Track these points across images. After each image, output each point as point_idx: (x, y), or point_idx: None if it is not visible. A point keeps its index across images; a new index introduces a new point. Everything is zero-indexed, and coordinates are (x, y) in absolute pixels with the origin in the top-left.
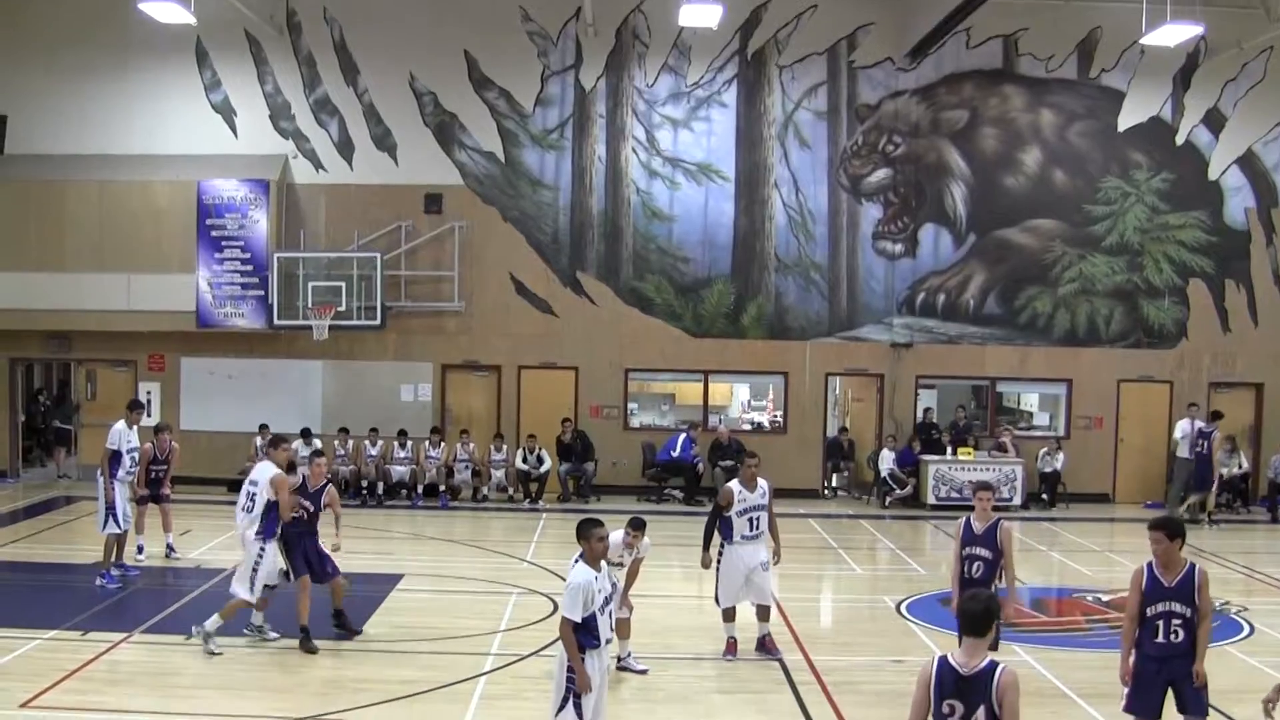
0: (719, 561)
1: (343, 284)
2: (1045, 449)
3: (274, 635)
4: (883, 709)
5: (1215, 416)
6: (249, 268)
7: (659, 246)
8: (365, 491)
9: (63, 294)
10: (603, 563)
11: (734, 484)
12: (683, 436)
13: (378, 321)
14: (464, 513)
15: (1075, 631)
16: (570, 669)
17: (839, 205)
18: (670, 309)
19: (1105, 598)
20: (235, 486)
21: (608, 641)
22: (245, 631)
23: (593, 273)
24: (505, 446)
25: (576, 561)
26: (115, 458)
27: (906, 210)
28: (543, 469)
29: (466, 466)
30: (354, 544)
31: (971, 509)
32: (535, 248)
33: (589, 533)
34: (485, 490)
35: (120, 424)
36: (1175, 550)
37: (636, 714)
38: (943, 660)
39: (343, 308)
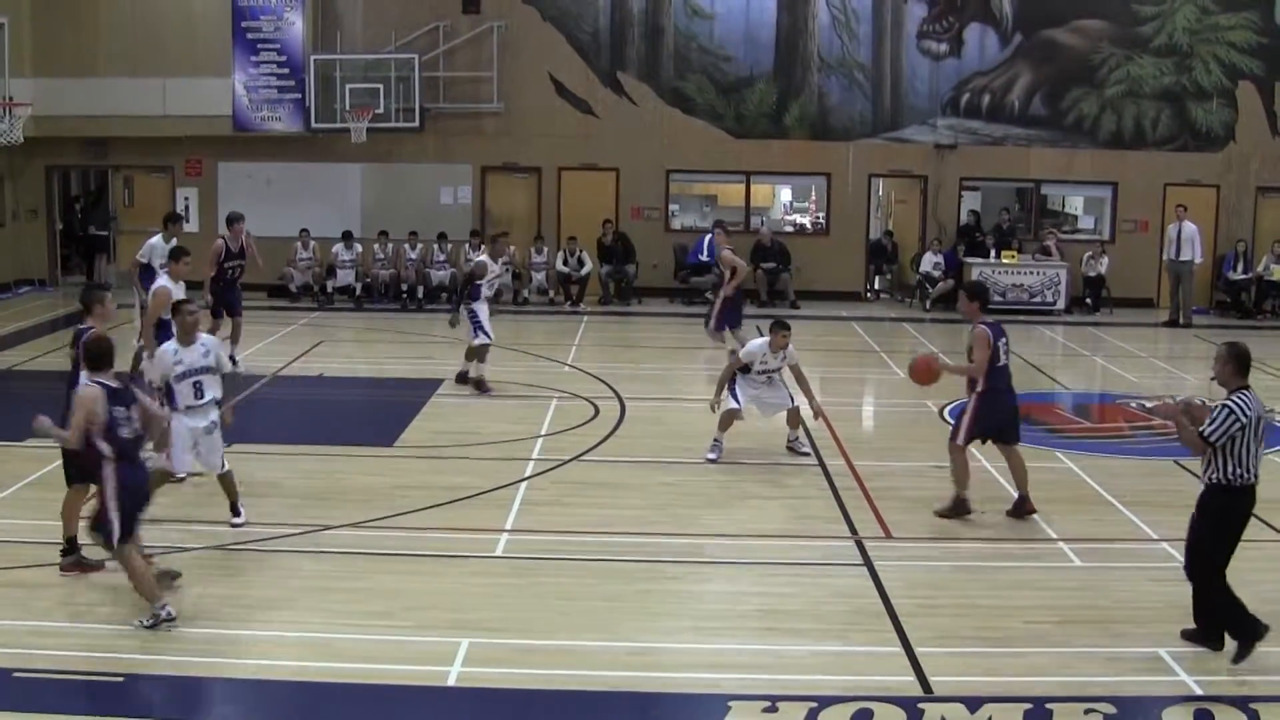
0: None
1: (380, 86)
2: (1090, 253)
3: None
4: (924, 513)
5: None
6: (285, 70)
7: (700, 45)
8: (405, 295)
9: (98, 100)
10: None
11: (759, 344)
12: (709, 237)
13: (416, 124)
14: (504, 316)
15: (1118, 438)
16: None
17: (883, 3)
18: (712, 109)
19: (1149, 404)
20: (276, 292)
21: (189, 408)
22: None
23: (633, 73)
24: (546, 249)
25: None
26: (146, 271)
27: (952, 9)
28: (583, 271)
29: (507, 269)
30: (395, 349)
31: (1007, 313)
32: (575, 47)
33: (180, 309)
34: (526, 293)
35: (156, 238)
36: (974, 309)
37: (679, 520)
38: None
39: (380, 110)
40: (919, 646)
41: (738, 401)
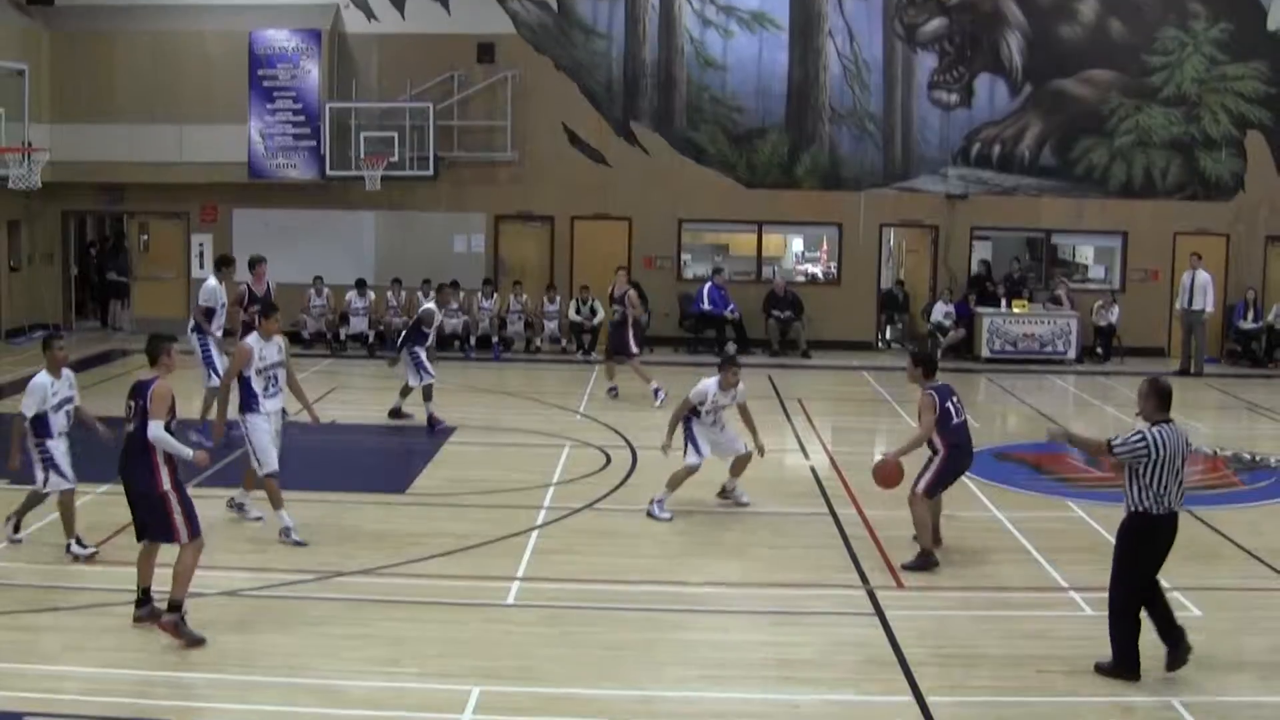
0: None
1: (395, 134)
2: (1100, 302)
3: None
4: None
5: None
6: (301, 118)
7: (713, 96)
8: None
9: (114, 146)
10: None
11: (710, 384)
12: (707, 286)
13: (430, 172)
14: (517, 364)
15: None
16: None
17: (894, 54)
18: (724, 159)
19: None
20: (289, 338)
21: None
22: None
23: (646, 123)
24: (558, 298)
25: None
26: (209, 313)
27: (962, 60)
28: (595, 320)
29: (519, 318)
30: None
31: (1018, 362)
32: (588, 97)
33: (50, 344)
34: (538, 342)
35: (212, 280)
36: (918, 375)
37: (690, 569)
38: None
39: (395, 158)
40: (930, 696)
41: (699, 454)
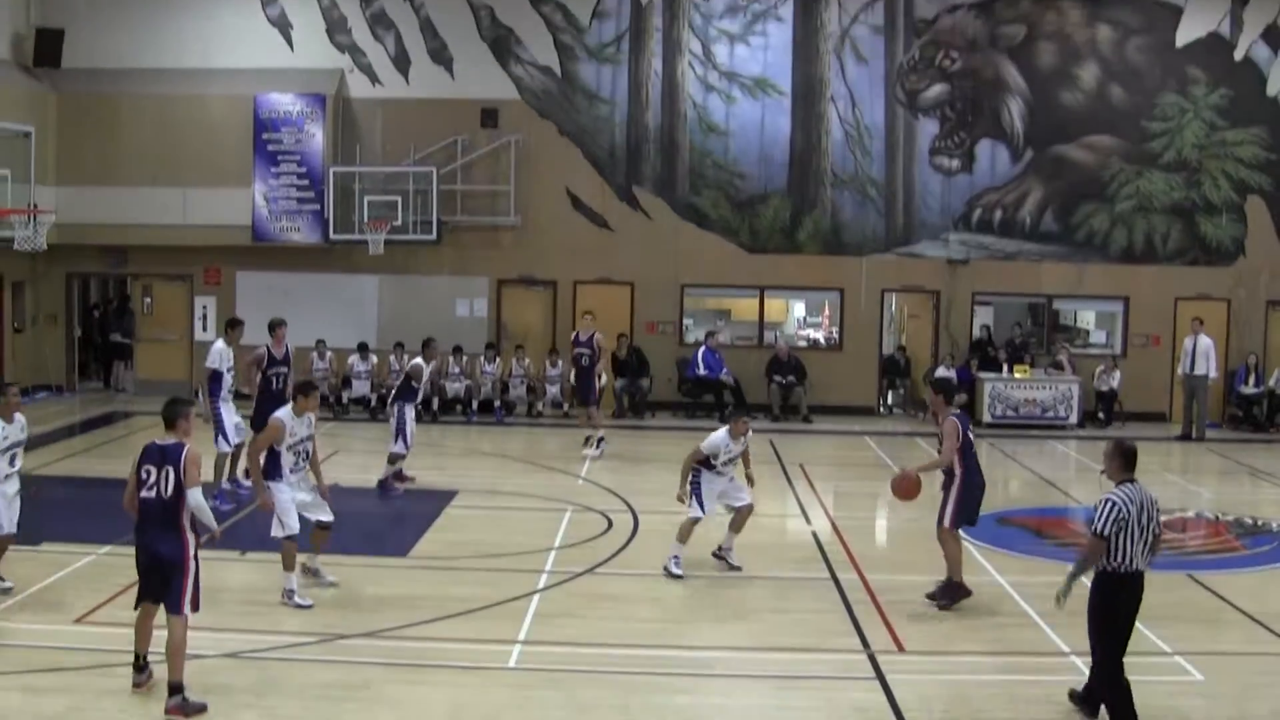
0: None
1: (399, 198)
2: (1101, 367)
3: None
4: (937, 626)
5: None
6: (305, 182)
7: (715, 162)
8: (420, 407)
9: (119, 208)
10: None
11: (720, 436)
12: (701, 350)
13: (433, 236)
14: (519, 428)
15: None
16: None
17: (895, 120)
18: (726, 224)
19: (1161, 518)
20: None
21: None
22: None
23: (649, 188)
24: (560, 362)
25: None
26: (216, 378)
27: (963, 126)
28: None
29: (521, 382)
30: (409, 459)
31: (1020, 427)
32: (591, 162)
33: (4, 391)
34: (540, 406)
35: (220, 343)
36: (939, 402)
37: (692, 633)
38: None
39: (399, 222)
40: None
41: (703, 509)
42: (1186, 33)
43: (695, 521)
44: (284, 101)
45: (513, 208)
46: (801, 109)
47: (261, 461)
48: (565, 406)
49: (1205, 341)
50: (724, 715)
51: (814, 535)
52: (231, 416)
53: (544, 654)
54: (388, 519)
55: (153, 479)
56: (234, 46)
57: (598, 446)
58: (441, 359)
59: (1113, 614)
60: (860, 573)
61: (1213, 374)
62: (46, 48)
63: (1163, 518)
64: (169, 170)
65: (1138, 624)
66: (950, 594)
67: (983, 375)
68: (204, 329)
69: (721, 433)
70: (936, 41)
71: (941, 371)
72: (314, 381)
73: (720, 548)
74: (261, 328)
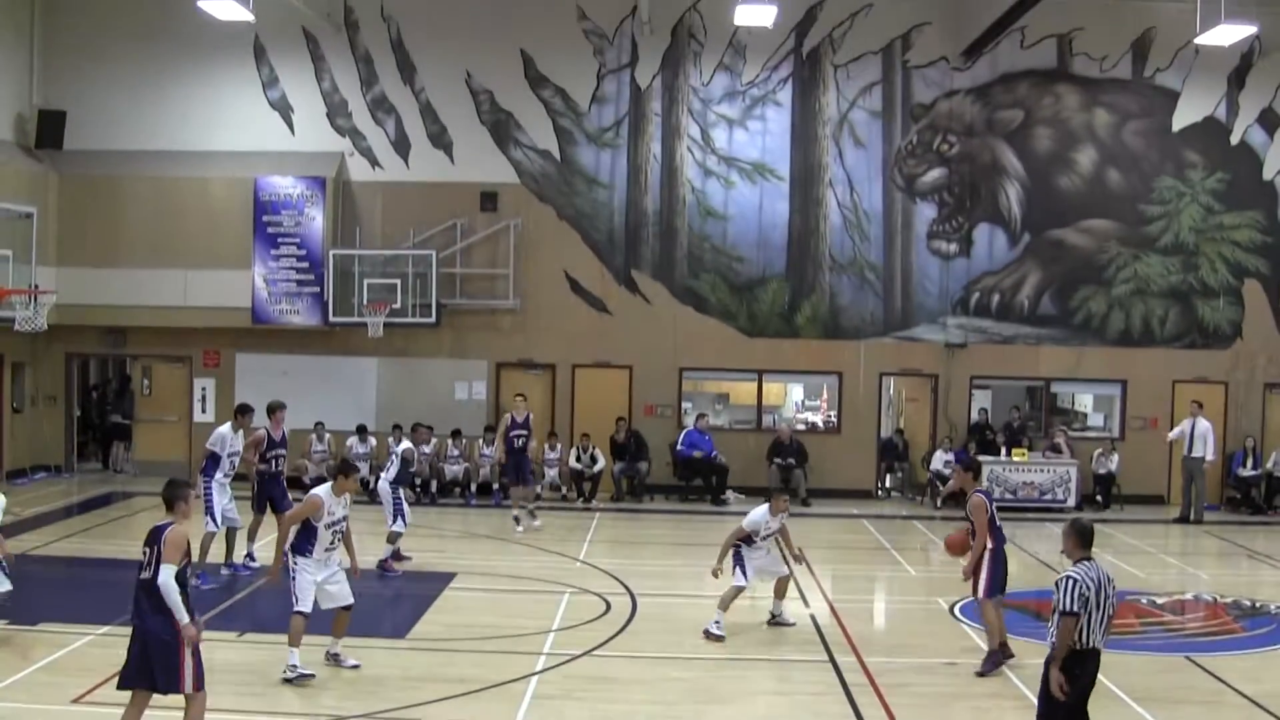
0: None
1: (398, 281)
2: (1099, 450)
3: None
4: (936, 710)
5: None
6: (305, 265)
7: (714, 245)
8: (419, 489)
9: (119, 289)
10: None
11: (760, 513)
12: (685, 432)
13: (433, 319)
14: None
15: (1128, 634)
16: None
17: (893, 205)
18: (725, 308)
19: (1160, 600)
20: (290, 484)
21: None
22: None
23: (647, 271)
24: (559, 445)
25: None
26: (213, 459)
27: (961, 210)
28: (596, 468)
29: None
30: (408, 542)
31: (1018, 510)
32: (590, 246)
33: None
34: (539, 489)
35: (225, 427)
36: (967, 479)
37: (690, 716)
38: None
39: (398, 305)
40: None
41: (745, 578)
42: (1183, 117)
43: (739, 590)
44: (284, 184)
45: (511, 291)
46: (800, 193)
47: (291, 536)
48: (563, 489)
49: (1204, 424)
50: None
51: (812, 618)
52: (223, 500)
53: None
54: (386, 600)
55: (146, 559)
56: (235, 129)
57: (519, 525)
58: (440, 442)
59: (1076, 691)
60: (859, 656)
61: (1210, 456)
62: (49, 129)
63: (1160, 600)
64: (169, 252)
65: (1135, 705)
66: (991, 661)
67: (981, 459)
68: (203, 410)
69: (762, 509)
70: (934, 126)
71: (939, 456)
72: (354, 462)
73: (772, 615)
74: (261, 411)
